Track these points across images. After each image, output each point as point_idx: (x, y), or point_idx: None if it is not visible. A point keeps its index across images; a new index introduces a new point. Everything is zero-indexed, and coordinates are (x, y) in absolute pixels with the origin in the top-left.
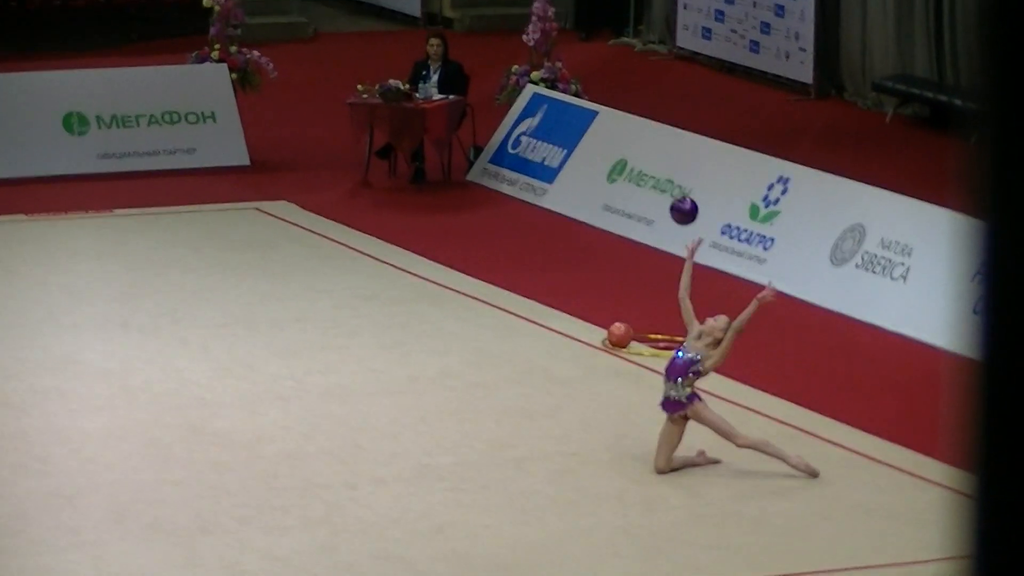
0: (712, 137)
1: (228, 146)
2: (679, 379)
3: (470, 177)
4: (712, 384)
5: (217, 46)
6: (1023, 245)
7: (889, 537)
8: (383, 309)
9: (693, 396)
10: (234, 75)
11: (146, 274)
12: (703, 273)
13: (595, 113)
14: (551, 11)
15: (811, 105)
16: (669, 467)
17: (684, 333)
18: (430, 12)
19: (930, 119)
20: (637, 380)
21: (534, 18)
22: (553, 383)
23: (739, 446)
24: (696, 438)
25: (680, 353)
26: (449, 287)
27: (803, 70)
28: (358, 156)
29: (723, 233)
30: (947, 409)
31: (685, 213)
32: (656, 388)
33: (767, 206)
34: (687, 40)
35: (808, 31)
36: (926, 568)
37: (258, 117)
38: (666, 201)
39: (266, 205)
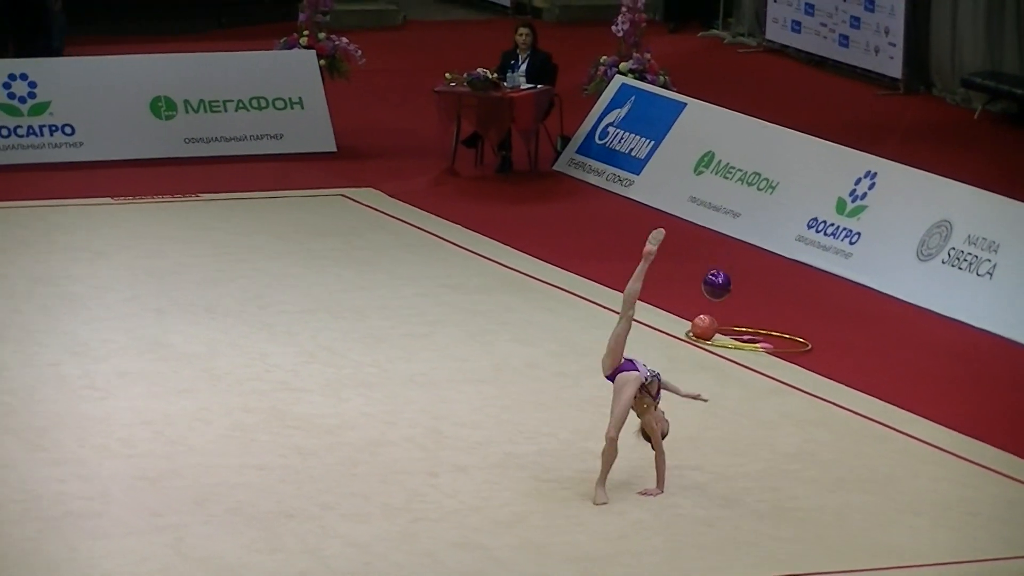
0: (800, 131)
1: (315, 132)
2: None
3: (557, 167)
4: (798, 377)
5: (306, 33)
6: None
7: (971, 533)
8: (468, 298)
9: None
10: (322, 62)
11: (232, 259)
12: (790, 266)
13: (683, 105)
14: (641, 2)
15: (899, 100)
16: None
17: (768, 327)
18: (519, 1)
19: (1019, 116)
20: (721, 373)
21: (623, 9)
22: None
23: (612, 438)
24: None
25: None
26: (534, 277)
27: (892, 65)
28: (445, 145)
29: (809, 227)
30: None
31: (717, 287)
32: (743, 383)
33: (854, 200)
34: (776, 33)
35: (898, 26)
36: (1008, 565)
37: (345, 104)
38: (752, 194)
39: (352, 192)
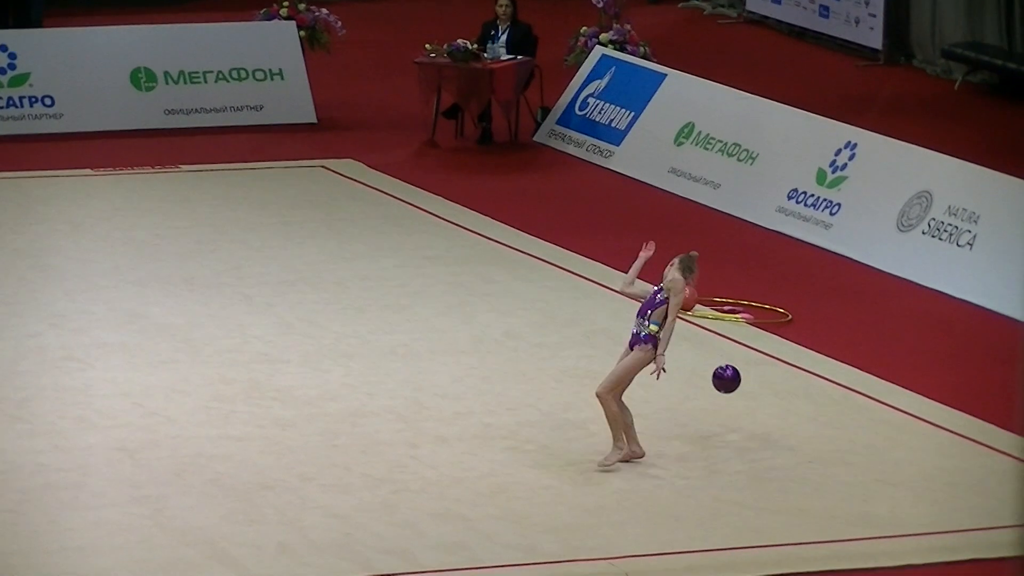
0: (780, 102)
1: (296, 104)
2: (646, 313)
3: (537, 138)
4: (779, 348)
5: (286, 3)
6: None
7: (952, 504)
8: (448, 269)
9: (649, 338)
10: (302, 33)
11: (211, 231)
12: (770, 237)
13: (663, 76)
14: None
15: (880, 71)
16: (610, 396)
17: (749, 298)
18: None
19: (999, 87)
20: (701, 343)
21: None
22: (617, 345)
23: (597, 393)
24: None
25: (659, 295)
26: (514, 248)
27: (872, 36)
28: (425, 116)
29: (790, 198)
30: (1012, 377)
31: (726, 380)
32: (721, 352)
33: (834, 171)
34: (757, 4)
35: None
36: (988, 536)
37: (326, 76)
38: (732, 165)
39: (333, 163)
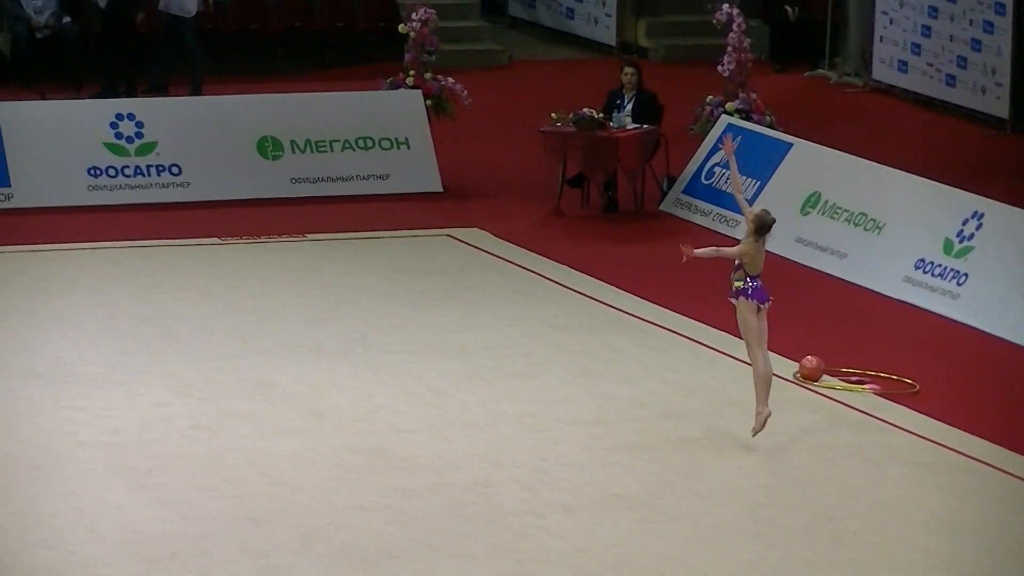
0: (906, 171)
1: (421, 172)
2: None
3: (663, 207)
4: (906, 419)
5: (412, 72)
6: None
7: None
8: (573, 337)
9: (740, 292)
10: (428, 101)
11: (338, 299)
12: (897, 307)
13: (789, 145)
14: (747, 42)
15: (1006, 140)
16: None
17: (876, 368)
18: (625, 41)
19: None
20: (829, 414)
21: (729, 49)
22: (744, 416)
23: (751, 359)
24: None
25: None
26: (641, 317)
27: (999, 105)
28: (551, 184)
29: (916, 267)
30: None
31: None
32: (850, 424)
33: (961, 241)
34: (883, 73)
35: (1005, 66)
36: None
37: (451, 144)
38: (859, 235)
39: (458, 232)
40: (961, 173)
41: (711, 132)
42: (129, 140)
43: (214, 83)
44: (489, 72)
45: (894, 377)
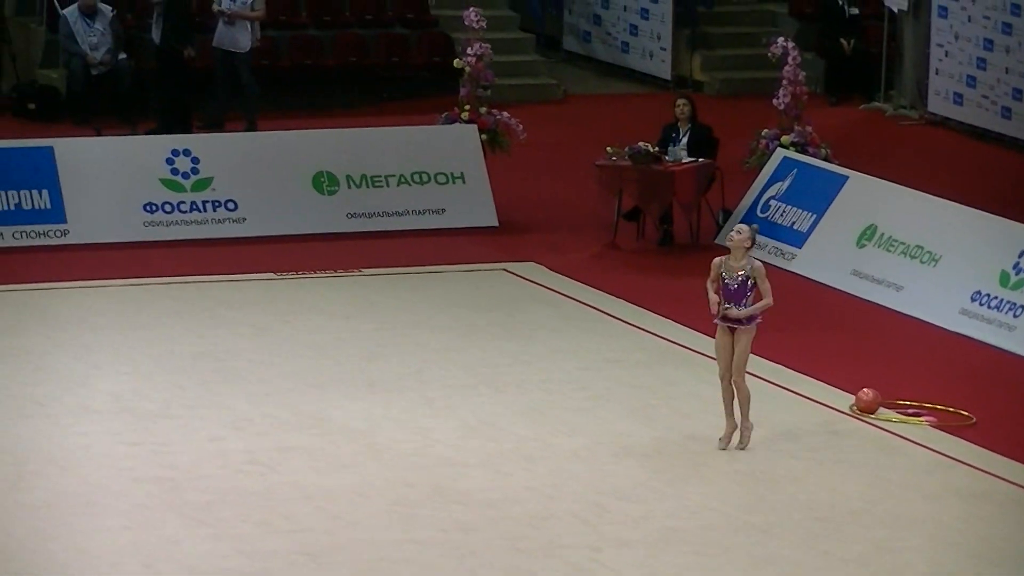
0: (962, 203)
1: (477, 207)
2: (743, 303)
3: (719, 241)
4: (963, 451)
5: (467, 107)
6: None
7: None
8: (629, 371)
9: (750, 320)
10: (484, 136)
11: (393, 333)
12: (953, 339)
13: (845, 178)
14: (801, 75)
15: None
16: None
17: (932, 401)
18: (680, 75)
19: None
20: (885, 446)
21: (784, 82)
22: (800, 448)
23: (735, 381)
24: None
25: (728, 282)
26: (696, 350)
27: None
28: (606, 218)
29: (972, 300)
30: None
31: None
32: (906, 455)
33: (1017, 273)
34: (938, 105)
35: None
36: None
37: (507, 178)
38: (915, 267)
39: (514, 266)
40: (1017, 205)
41: (766, 165)
42: (185, 176)
43: (269, 119)
44: (544, 106)
45: (951, 409)
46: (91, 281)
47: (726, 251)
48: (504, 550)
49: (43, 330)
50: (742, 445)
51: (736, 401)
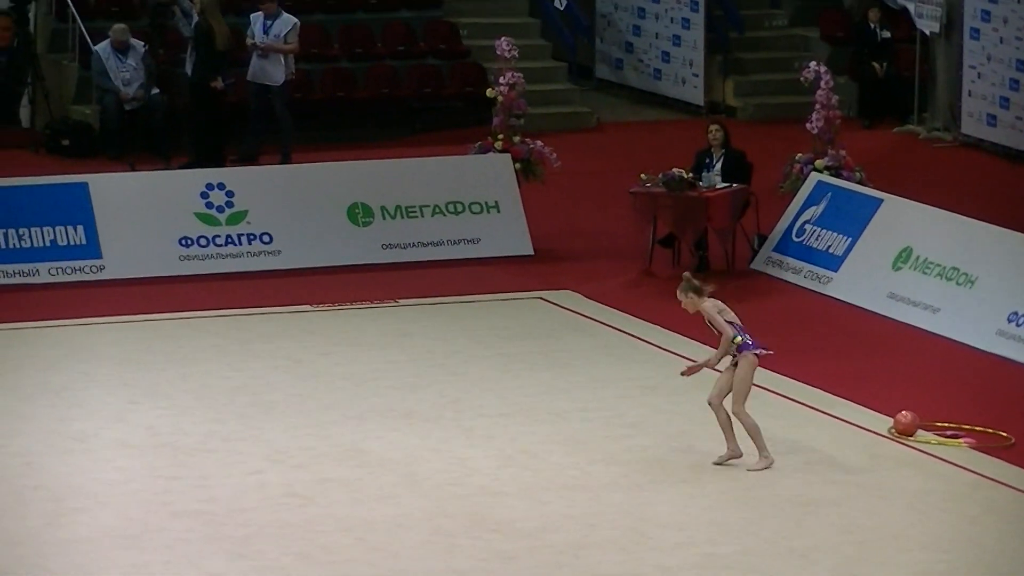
0: (998, 224)
1: (511, 236)
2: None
3: (754, 266)
4: (1002, 472)
5: (500, 136)
6: None
7: None
8: (667, 398)
9: (743, 347)
10: (517, 165)
11: (429, 364)
12: (991, 361)
13: (880, 201)
14: (834, 99)
15: None
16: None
17: (971, 422)
18: (713, 101)
19: None
20: (924, 468)
21: (817, 106)
22: (838, 472)
23: (732, 412)
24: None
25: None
26: None
27: None
28: (641, 245)
29: (1010, 320)
30: None
31: None
32: (946, 478)
33: None
34: (972, 127)
35: None
36: None
37: (541, 206)
38: (951, 289)
39: (549, 294)
40: None
41: (801, 190)
42: (220, 209)
43: (303, 151)
44: (578, 135)
45: (989, 431)
46: (127, 316)
47: (762, 276)
48: None
49: (80, 366)
50: (749, 469)
51: (735, 426)
